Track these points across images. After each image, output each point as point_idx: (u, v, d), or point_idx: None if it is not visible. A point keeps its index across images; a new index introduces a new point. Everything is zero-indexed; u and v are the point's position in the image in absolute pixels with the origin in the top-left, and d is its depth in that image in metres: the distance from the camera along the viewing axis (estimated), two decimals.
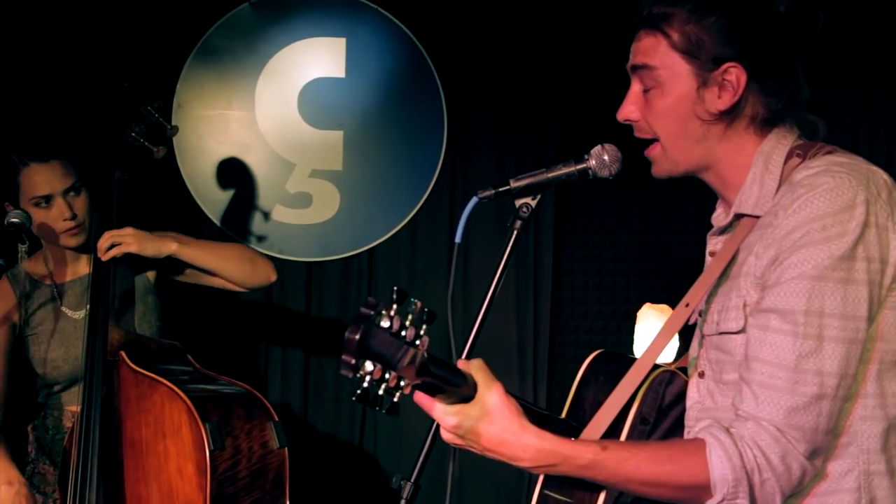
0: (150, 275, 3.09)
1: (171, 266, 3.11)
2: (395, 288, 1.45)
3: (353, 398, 1.41)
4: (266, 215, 4.03)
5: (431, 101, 4.10)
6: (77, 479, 2.62)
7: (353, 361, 1.36)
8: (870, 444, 1.55)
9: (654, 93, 1.69)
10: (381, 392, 1.42)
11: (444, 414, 1.58)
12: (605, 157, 1.79)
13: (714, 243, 1.78)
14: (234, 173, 4.05)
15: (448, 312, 1.84)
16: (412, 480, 1.76)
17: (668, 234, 4.18)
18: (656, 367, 1.79)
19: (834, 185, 1.50)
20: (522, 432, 1.55)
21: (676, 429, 1.79)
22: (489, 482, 4.03)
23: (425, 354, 1.49)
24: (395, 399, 1.45)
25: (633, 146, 1.82)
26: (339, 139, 4.09)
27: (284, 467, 2.78)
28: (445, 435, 1.61)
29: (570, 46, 4.09)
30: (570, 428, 1.69)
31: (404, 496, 1.75)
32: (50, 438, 3.00)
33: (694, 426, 1.73)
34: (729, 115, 1.66)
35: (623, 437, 1.75)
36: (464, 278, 4.09)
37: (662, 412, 1.78)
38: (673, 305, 3.91)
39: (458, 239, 1.88)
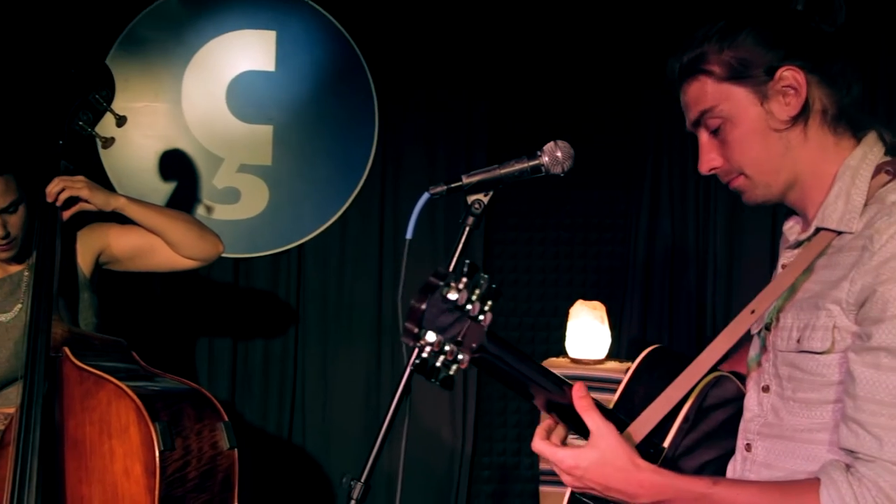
0: (86, 269, 3.00)
1: (109, 255, 3.05)
2: (468, 262, 1.46)
3: (411, 368, 1.47)
4: (193, 210, 3.97)
5: (363, 97, 4.10)
6: (15, 480, 2.53)
7: (416, 331, 1.39)
8: None
9: (725, 129, 1.67)
10: (438, 364, 1.43)
11: (563, 456, 1.61)
12: (559, 154, 1.81)
13: (788, 256, 1.75)
14: (159, 167, 3.99)
15: (399, 311, 1.86)
16: (362, 480, 1.77)
17: (597, 231, 4.28)
18: (712, 370, 1.77)
19: None
20: (638, 471, 1.58)
21: (719, 433, 1.79)
22: (421, 473, 4.08)
23: (486, 331, 1.49)
24: (451, 372, 1.46)
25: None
26: (268, 134, 4.06)
27: (234, 469, 2.74)
28: (565, 477, 1.63)
29: (503, 43, 4.14)
30: (618, 420, 1.69)
31: (355, 496, 1.77)
32: None
33: (754, 440, 1.72)
34: (802, 117, 1.63)
35: (670, 436, 1.76)
36: (393, 275, 4.12)
37: (702, 412, 1.79)
38: (603, 301, 4.02)
39: (409, 235, 1.85)
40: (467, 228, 1.84)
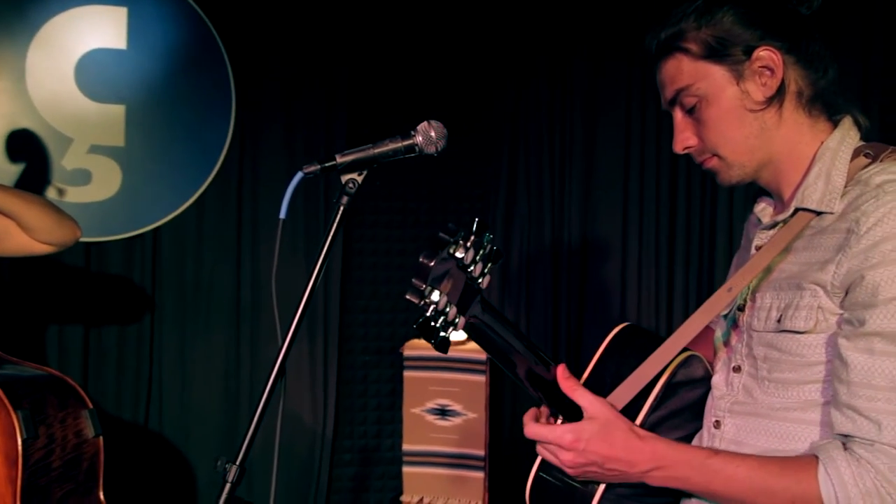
0: None
1: None
2: (477, 219, 1.44)
3: (415, 326, 1.40)
4: (42, 193, 3.82)
5: (219, 77, 4.03)
6: None
7: (423, 287, 1.36)
8: None
9: (700, 108, 1.65)
10: (437, 324, 1.41)
11: (562, 433, 1.58)
12: (432, 134, 1.78)
13: (762, 237, 1.72)
14: (5, 148, 3.83)
15: (272, 290, 1.82)
16: (237, 463, 1.73)
17: (455, 214, 4.33)
18: (685, 349, 1.76)
19: None
20: (639, 438, 1.57)
21: (684, 412, 1.79)
22: (282, 457, 4.01)
23: (481, 296, 1.48)
24: (447, 334, 1.44)
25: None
26: (120, 114, 3.95)
27: (99, 457, 2.70)
28: (564, 455, 1.59)
29: (364, 20, 4.14)
30: None
31: (230, 479, 1.73)
32: None
33: (724, 417, 1.71)
34: (778, 98, 1.62)
35: (643, 414, 1.74)
36: (252, 258, 4.09)
37: (670, 389, 1.77)
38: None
39: (282, 215, 1.79)
40: (342, 208, 1.80)
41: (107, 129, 3.93)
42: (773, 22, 1.61)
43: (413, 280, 1.38)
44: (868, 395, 1.45)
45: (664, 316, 4.01)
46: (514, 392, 4.24)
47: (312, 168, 1.78)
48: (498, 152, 4.34)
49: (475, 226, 1.44)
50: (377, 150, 1.78)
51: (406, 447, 3.78)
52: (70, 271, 3.92)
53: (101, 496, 2.71)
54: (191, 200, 4.03)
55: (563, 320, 4.22)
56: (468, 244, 1.42)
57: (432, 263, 1.36)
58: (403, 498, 3.78)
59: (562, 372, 1.65)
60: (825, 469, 1.45)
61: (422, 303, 1.39)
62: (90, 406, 2.69)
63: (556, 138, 4.27)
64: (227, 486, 1.72)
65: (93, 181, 3.92)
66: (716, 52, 1.61)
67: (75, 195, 3.89)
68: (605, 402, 1.62)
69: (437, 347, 1.45)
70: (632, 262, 4.11)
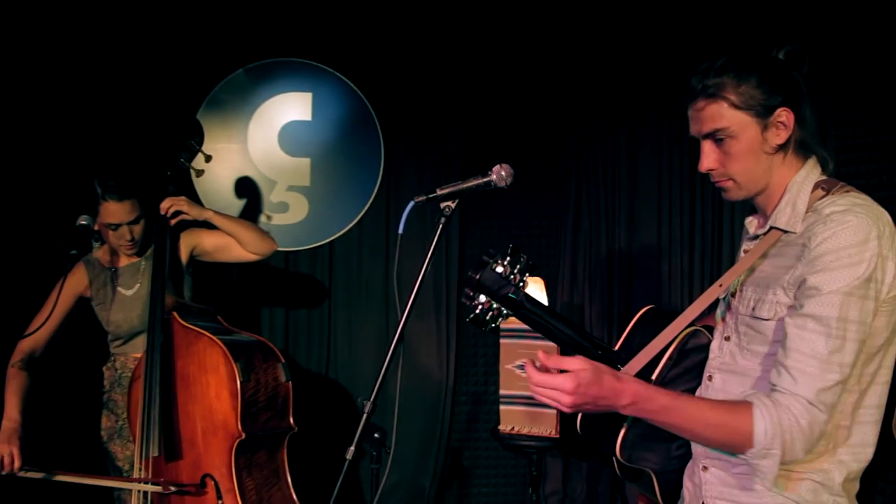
0: (184, 259, 3.13)
1: (200, 250, 3.16)
2: (511, 245, 1.51)
3: (468, 320, 1.49)
4: (257, 219, 4.07)
5: (372, 135, 4.18)
6: (145, 401, 2.70)
7: (471, 293, 1.48)
8: (844, 408, 1.57)
9: (728, 142, 1.62)
10: (487, 318, 1.49)
11: (563, 381, 1.50)
12: (503, 173, 1.83)
13: (748, 245, 1.75)
14: (234, 189, 4.10)
15: (394, 286, 1.92)
16: (371, 400, 1.81)
17: (538, 228, 4.37)
18: (690, 325, 1.78)
19: (857, 223, 1.50)
20: (622, 382, 1.53)
21: (694, 370, 1.81)
22: (418, 400, 4.15)
23: (523, 295, 1.53)
24: (496, 324, 1.53)
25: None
26: (307, 164, 4.15)
27: (289, 395, 2.88)
28: (564, 398, 1.50)
29: (471, 94, 4.22)
30: (620, 358, 1.69)
31: (366, 411, 1.82)
32: (119, 375, 3.04)
33: (714, 373, 1.74)
34: (785, 146, 1.63)
35: (657, 370, 1.76)
36: (396, 261, 4.21)
37: (683, 354, 1.81)
38: (542, 277, 4.06)
39: (400, 231, 1.83)
40: (440, 227, 1.84)
41: (298, 174, 4.15)
42: (788, 89, 1.62)
43: (464, 288, 1.48)
44: (794, 358, 1.49)
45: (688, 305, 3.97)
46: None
47: (420, 198, 1.84)
48: (567, 181, 4.31)
49: (509, 250, 1.52)
50: (465, 185, 1.83)
51: (502, 392, 3.80)
52: (275, 271, 4.13)
53: (291, 421, 2.90)
54: (354, 221, 4.18)
55: (615, 309, 4.19)
56: (505, 262, 1.49)
57: (477, 277, 1.46)
58: (500, 427, 3.79)
59: (542, 356, 1.54)
60: (757, 410, 1.49)
61: (472, 304, 1.47)
62: (282, 360, 2.88)
63: (609, 170, 4.20)
64: (364, 416, 1.81)
65: (289, 210, 4.14)
66: (749, 106, 1.60)
67: (278, 220, 4.12)
68: (588, 360, 1.55)
69: (489, 332, 1.51)
70: (665, 267, 4.05)
